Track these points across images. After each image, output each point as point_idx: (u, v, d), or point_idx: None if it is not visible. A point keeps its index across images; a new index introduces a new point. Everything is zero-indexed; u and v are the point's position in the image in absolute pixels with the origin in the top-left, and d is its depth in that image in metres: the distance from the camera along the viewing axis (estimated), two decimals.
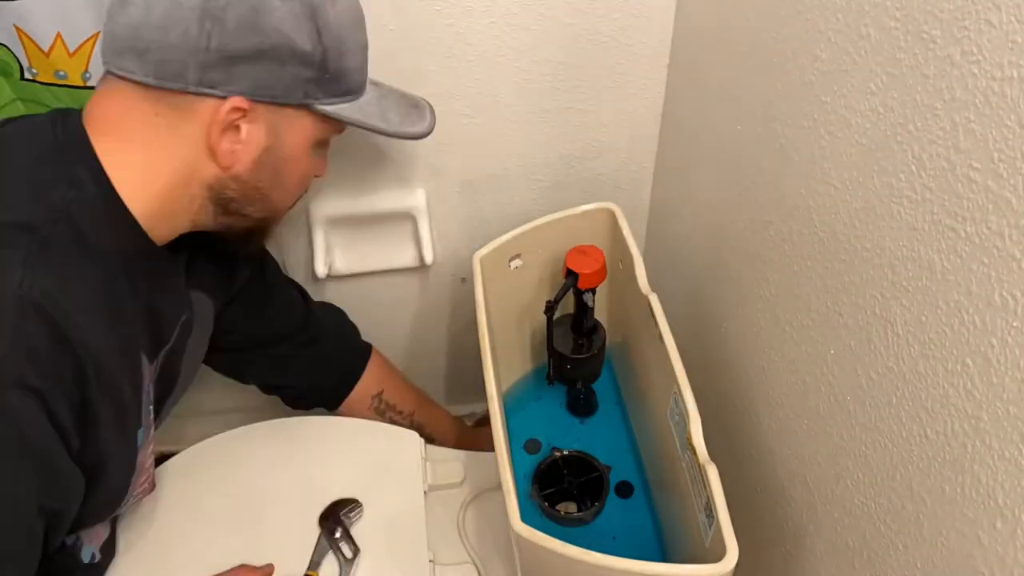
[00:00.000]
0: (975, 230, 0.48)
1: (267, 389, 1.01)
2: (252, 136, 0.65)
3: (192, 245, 0.74)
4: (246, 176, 0.67)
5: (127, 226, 0.64)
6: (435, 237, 1.05)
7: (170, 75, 0.61)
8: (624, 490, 0.90)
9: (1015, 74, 0.43)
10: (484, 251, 0.89)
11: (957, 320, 0.50)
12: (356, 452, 0.95)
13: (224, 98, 0.62)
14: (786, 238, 0.72)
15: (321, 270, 1.03)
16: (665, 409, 0.79)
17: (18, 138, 0.65)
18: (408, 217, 1.03)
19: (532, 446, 0.95)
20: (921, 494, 0.56)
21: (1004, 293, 0.46)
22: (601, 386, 1.00)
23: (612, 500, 0.89)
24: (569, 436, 0.96)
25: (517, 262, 0.93)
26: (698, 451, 0.70)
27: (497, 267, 0.91)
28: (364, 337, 1.06)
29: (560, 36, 0.90)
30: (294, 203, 0.76)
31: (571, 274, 0.84)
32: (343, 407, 1.03)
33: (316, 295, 1.01)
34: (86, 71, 0.89)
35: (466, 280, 1.11)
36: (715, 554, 0.63)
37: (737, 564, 0.62)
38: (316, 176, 0.76)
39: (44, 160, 0.62)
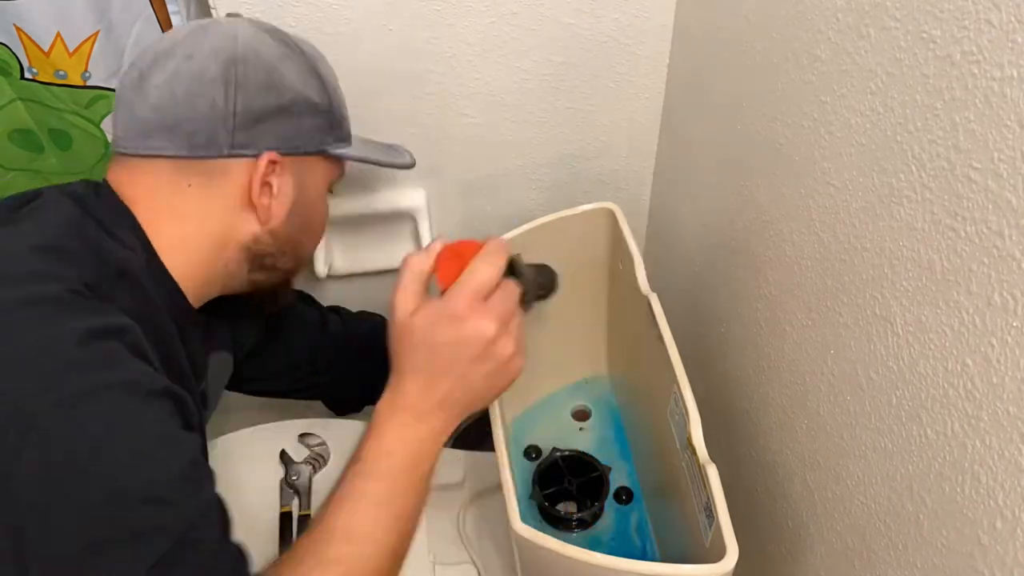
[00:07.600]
0: (975, 230, 0.48)
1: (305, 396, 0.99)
2: (283, 189, 0.68)
3: (210, 309, 0.73)
4: (281, 229, 0.69)
5: (172, 290, 0.65)
6: (435, 237, 1.05)
7: (202, 144, 0.64)
8: (624, 491, 0.90)
9: (1015, 74, 0.43)
10: None
11: (957, 320, 0.50)
12: None
13: (257, 156, 0.65)
14: (786, 238, 0.72)
15: (321, 270, 1.03)
16: (665, 409, 0.79)
17: (57, 204, 0.63)
18: (408, 217, 1.03)
19: (532, 449, 0.95)
20: (921, 494, 0.56)
21: (1004, 293, 0.46)
22: (601, 387, 1.00)
23: (612, 500, 0.89)
24: (569, 438, 0.96)
25: None
26: (698, 451, 0.70)
27: None
28: None
29: (560, 36, 0.90)
30: (315, 249, 0.80)
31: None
32: None
33: (316, 295, 1.00)
34: (85, 71, 0.89)
35: None
36: (715, 554, 0.63)
37: (737, 564, 0.62)
38: None
39: (93, 226, 0.62)
